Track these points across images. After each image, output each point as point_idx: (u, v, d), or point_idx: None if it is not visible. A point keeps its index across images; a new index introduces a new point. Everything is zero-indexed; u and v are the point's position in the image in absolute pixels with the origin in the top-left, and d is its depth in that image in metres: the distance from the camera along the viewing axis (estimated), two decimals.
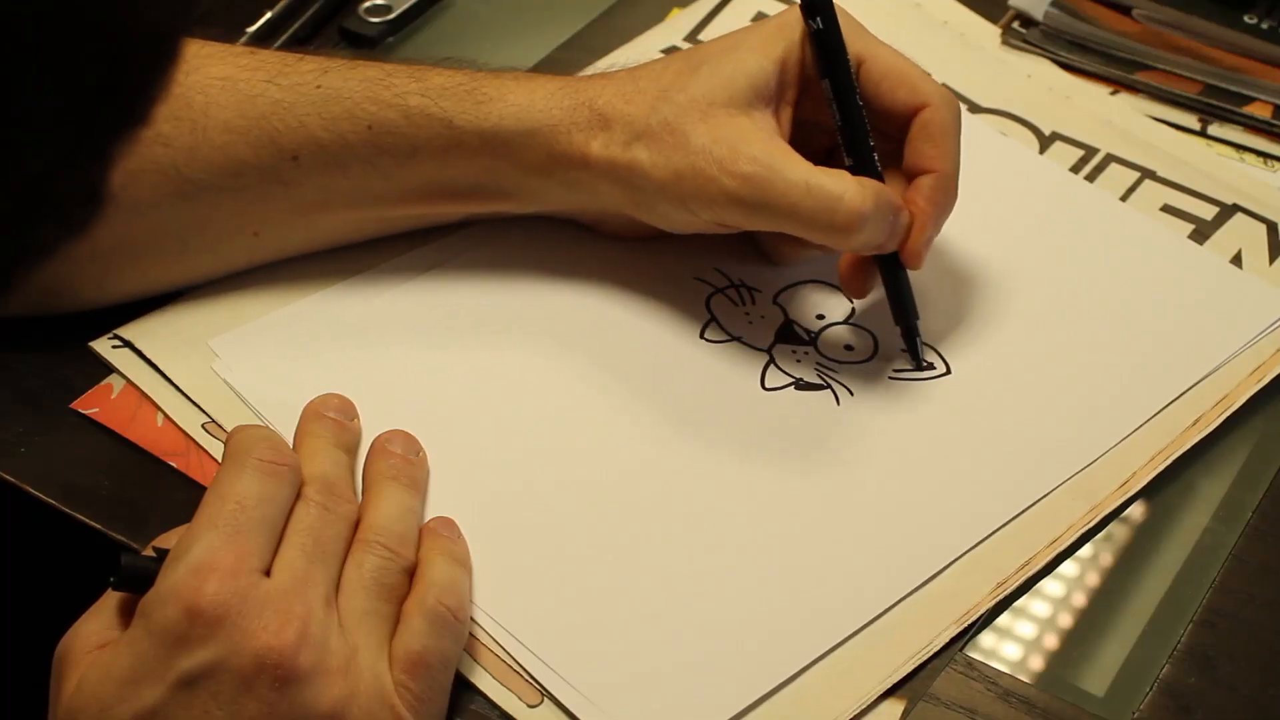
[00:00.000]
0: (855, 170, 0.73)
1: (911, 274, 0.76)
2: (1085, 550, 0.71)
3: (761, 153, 0.72)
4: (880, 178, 0.74)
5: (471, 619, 0.66)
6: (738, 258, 0.80)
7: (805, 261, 0.79)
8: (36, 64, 0.40)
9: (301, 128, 0.73)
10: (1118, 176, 0.86)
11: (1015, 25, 0.94)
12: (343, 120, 0.73)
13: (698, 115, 0.72)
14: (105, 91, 0.42)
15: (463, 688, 0.64)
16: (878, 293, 0.78)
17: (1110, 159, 0.87)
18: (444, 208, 0.77)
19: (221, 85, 0.73)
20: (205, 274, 0.77)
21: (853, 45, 0.75)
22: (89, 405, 0.73)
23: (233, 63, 0.74)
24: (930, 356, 0.76)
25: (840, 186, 0.71)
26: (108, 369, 0.75)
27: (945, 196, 0.74)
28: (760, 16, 0.94)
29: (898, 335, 0.77)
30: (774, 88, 0.74)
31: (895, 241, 0.73)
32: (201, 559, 0.60)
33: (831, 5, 0.74)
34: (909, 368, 0.76)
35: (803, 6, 0.74)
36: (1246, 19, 0.91)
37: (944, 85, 0.76)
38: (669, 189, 0.73)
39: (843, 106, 0.74)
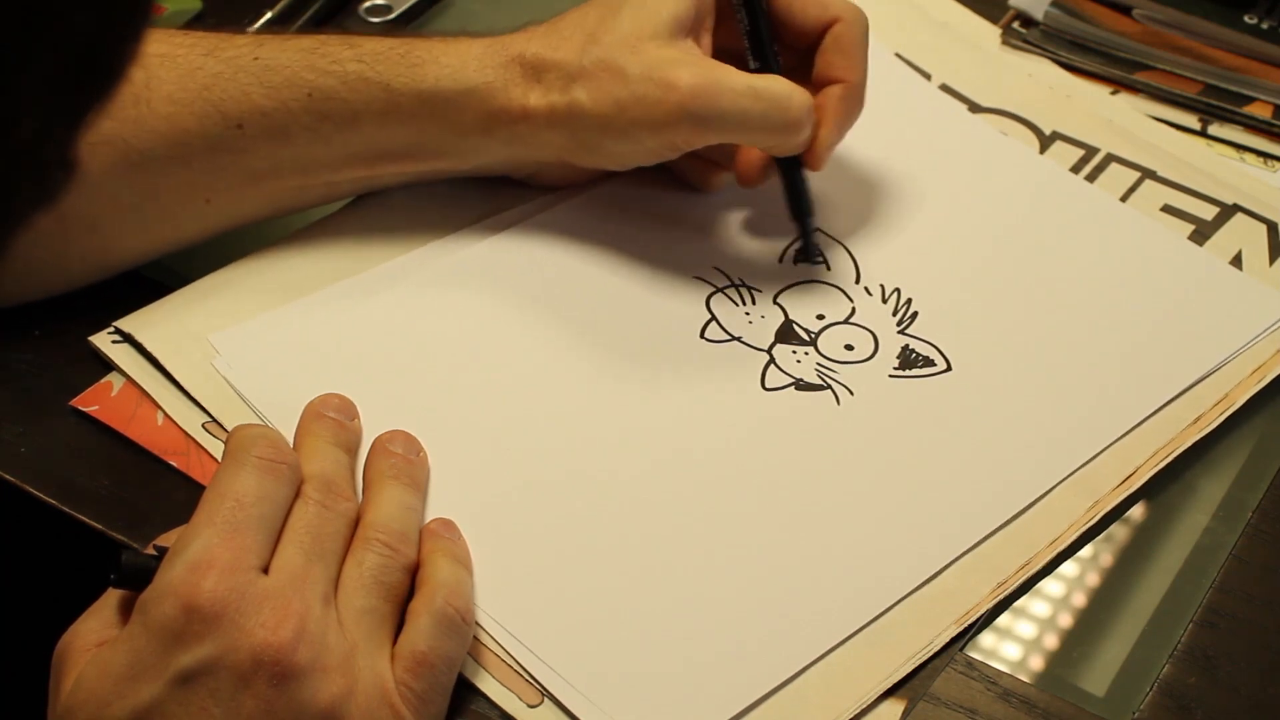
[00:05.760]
0: (760, 71, 0.77)
1: (912, 280, 0.76)
2: (1085, 550, 0.71)
3: (700, 69, 0.74)
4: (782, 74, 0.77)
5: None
6: (738, 258, 0.80)
7: (727, 188, 0.82)
8: (28, 28, 0.40)
9: (244, 97, 0.75)
10: (1118, 176, 0.86)
11: (1015, 25, 0.94)
12: (283, 89, 0.75)
13: (628, 50, 0.75)
14: (87, 62, 0.42)
15: (463, 688, 0.64)
16: (876, 302, 0.78)
17: (1111, 159, 0.87)
18: (387, 168, 0.79)
19: (160, 60, 0.75)
20: (163, 245, 0.78)
21: None
22: (89, 403, 0.73)
23: (167, 40, 0.76)
24: (930, 353, 0.76)
25: (783, 86, 0.75)
26: (107, 366, 0.75)
27: (854, 105, 0.78)
28: None
29: (898, 335, 0.77)
30: (693, 16, 0.77)
31: (808, 140, 0.76)
32: (199, 556, 0.60)
33: None
34: (908, 371, 0.76)
35: None
36: (1246, 19, 0.91)
37: (856, 6, 0.78)
38: (612, 122, 0.75)
39: (750, 14, 0.77)
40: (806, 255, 0.80)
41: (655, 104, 0.74)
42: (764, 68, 0.77)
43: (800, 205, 0.79)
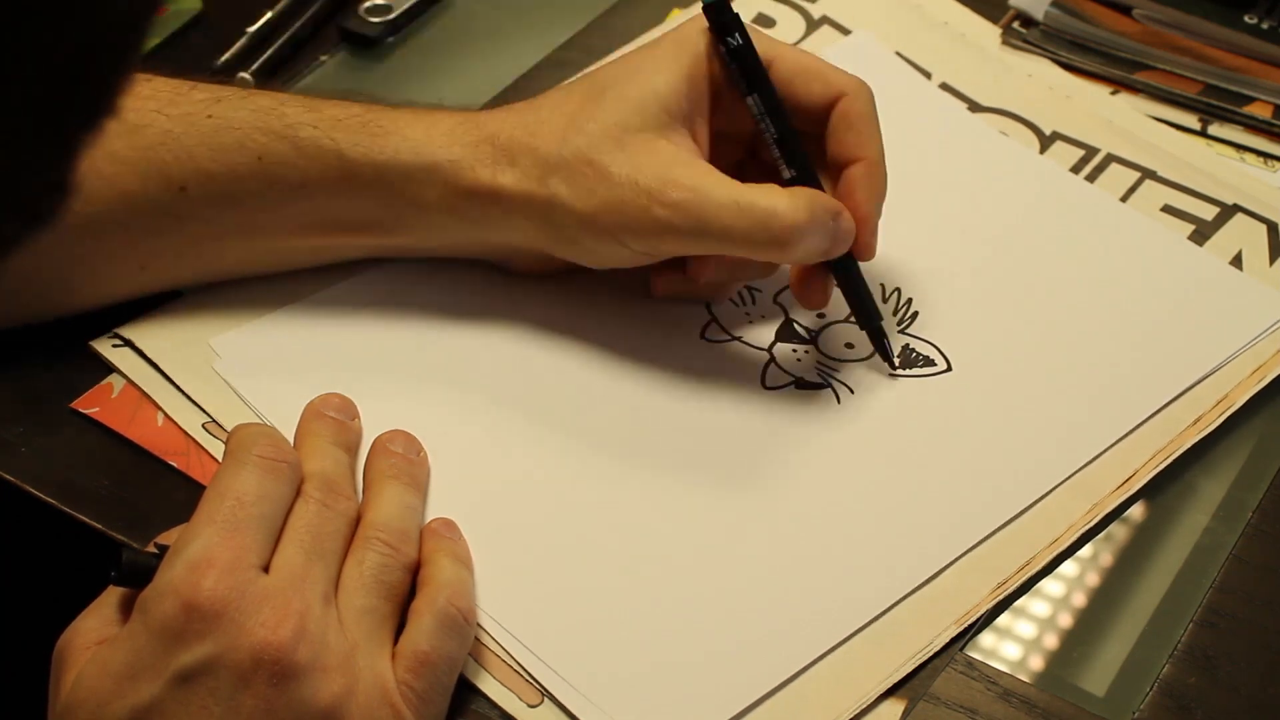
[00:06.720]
0: (797, 182, 0.72)
1: (912, 279, 0.76)
2: (1085, 550, 0.71)
3: (688, 177, 0.69)
4: (820, 186, 0.73)
5: None
6: None
7: (743, 285, 0.78)
8: (7, 54, 0.39)
9: (190, 159, 0.71)
10: (1118, 176, 0.86)
11: (1015, 25, 0.94)
12: (232, 151, 0.72)
13: (613, 144, 0.70)
14: (74, 82, 0.41)
15: (464, 688, 0.64)
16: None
17: (1111, 159, 0.87)
18: (339, 240, 0.75)
19: None
20: (89, 306, 0.75)
21: (760, 50, 0.73)
22: (89, 405, 0.73)
23: None
24: (931, 353, 0.76)
25: (770, 200, 0.69)
26: (108, 368, 0.75)
27: (879, 182, 0.73)
28: (761, 18, 0.94)
29: (898, 334, 0.77)
30: (685, 105, 0.72)
31: (842, 245, 0.72)
32: (199, 555, 0.60)
33: (741, 21, 0.72)
34: (909, 371, 0.76)
35: (713, 27, 0.72)
36: (1246, 19, 0.91)
37: (857, 78, 0.74)
38: (595, 223, 0.71)
39: (775, 121, 0.72)
40: (887, 359, 0.75)
41: (640, 212, 0.69)
42: (801, 178, 0.72)
43: (861, 310, 0.75)
